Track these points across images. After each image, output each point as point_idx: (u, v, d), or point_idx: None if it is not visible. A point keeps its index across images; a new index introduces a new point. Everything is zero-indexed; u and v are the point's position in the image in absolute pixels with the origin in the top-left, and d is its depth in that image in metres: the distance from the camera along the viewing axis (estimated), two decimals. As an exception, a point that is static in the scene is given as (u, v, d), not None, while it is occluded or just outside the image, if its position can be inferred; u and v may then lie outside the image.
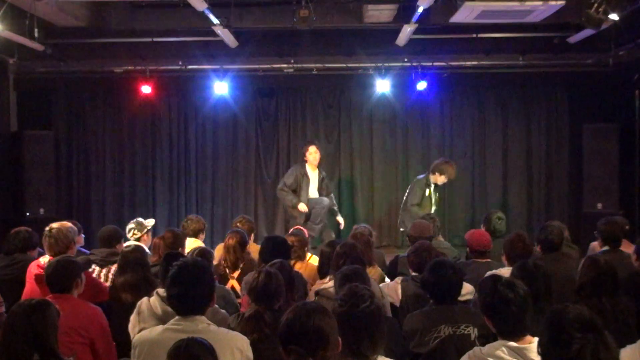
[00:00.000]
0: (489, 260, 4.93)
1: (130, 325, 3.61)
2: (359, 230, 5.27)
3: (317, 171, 7.87)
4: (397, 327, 3.64)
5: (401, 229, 7.78)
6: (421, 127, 9.60)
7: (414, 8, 6.48)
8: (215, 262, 4.89)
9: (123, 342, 3.61)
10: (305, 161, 7.81)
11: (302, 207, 7.61)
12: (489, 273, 4.20)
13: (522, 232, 4.74)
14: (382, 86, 8.60)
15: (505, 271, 4.08)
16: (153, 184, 9.60)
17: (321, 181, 7.88)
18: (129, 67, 8.76)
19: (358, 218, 9.29)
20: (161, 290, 3.54)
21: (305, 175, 7.75)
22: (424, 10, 6.42)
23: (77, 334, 3.39)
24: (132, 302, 3.87)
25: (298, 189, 7.69)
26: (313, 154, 7.73)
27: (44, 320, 2.75)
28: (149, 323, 3.44)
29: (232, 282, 4.80)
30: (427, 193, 7.56)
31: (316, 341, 2.17)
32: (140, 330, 3.37)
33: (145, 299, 3.62)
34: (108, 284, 4.57)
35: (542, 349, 2.29)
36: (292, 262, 4.79)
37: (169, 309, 3.19)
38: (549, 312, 2.34)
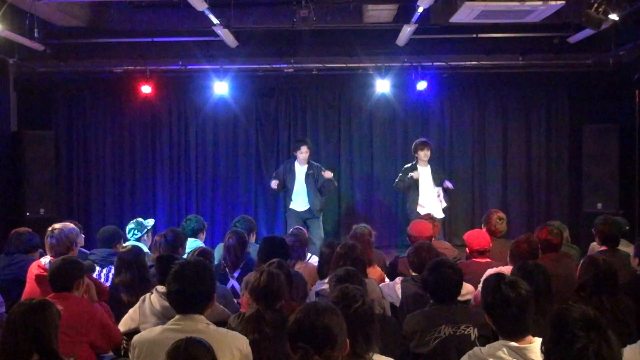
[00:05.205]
0: (489, 260, 4.93)
1: (128, 319, 3.61)
2: (359, 230, 5.25)
3: (306, 166, 7.94)
4: (397, 327, 3.64)
5: None
6: (421, 127, 9.58)
7: (414, 8, 6.48)
8: (215, 262, 4.89)
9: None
10: (295, 157, 7.96)
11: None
12: (488, 272, 4.19)
13: (531, 235, 4.70)
14: (382, 86, 8.60)
15: (506, 269, 4.07)
16: (153, 183, 9.61)
17: (306, 176, 7.89)
18: (129, 67, 8.75)
19: (357, 218, 9.28)
20: (160, 287, 3.55)
21: (290, 171, 7.92)
22: (424, 10, 6.42)
23: (76, 334, 3.39)
24: (128, 302, 3.87)
25: (282, 183, 7.94)
26: (304, 153, 7.85)
27: (44, 320, 2.75)
28: (149, 320, 3.45)
29: (232, 282, 4.80)
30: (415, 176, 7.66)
31: (324, 340, 2.16)
32: (137, 327, 3.38)
33: (146, 295, 3.63)
34: (108, 284, 4.58)
35: (546, 348, 2.28)
36: (291, 262, 4.79)
37: (168, 304, 3.20)
38: (552, 312, 2.33)
